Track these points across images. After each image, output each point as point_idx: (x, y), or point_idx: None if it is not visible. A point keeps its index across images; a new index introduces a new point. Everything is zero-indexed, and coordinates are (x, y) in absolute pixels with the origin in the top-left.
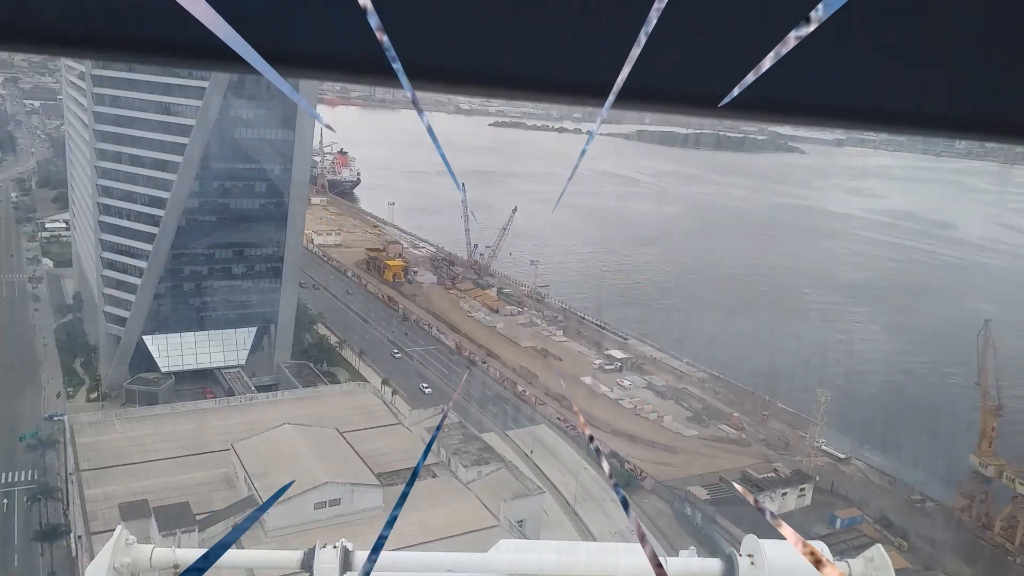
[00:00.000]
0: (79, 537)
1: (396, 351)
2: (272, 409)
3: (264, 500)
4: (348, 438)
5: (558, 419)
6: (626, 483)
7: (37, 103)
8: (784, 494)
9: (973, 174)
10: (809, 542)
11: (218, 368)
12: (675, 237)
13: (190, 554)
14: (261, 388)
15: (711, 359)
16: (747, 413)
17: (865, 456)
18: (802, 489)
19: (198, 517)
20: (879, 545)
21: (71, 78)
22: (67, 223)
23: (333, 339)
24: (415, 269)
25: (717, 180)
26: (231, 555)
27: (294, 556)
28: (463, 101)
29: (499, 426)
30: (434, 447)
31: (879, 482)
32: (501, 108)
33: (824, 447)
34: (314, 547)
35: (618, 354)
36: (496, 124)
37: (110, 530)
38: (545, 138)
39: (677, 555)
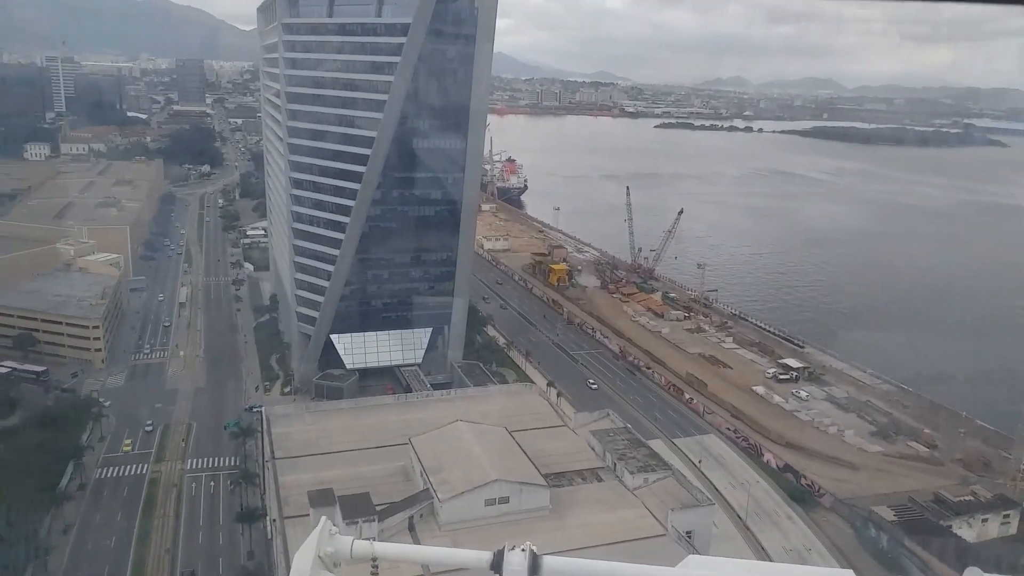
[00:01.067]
0: (273, 520)
1: (571, 355)
2: (445, 406)
3: (438, 494)
4: (516, 437)
5: (728, 429)
6: (802, 499)
7: (240, 121)
8: (984, 520)
9: None
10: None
11: (397, 366)
12: (856, 238)
13: (387, 548)
14: (436, 386)
15: (898, 370)
16: (940, 429)
17: None
18: (1006, 516)
19: (378, 507)
20: (976, 568)
21: (269, 96)
22: (265, 230)
23: (501, 341)
24: (579, 271)
25: (904, 177)
26: (423, 551)
27: (484, 557)
28: (629, 104)
29: (666, 433)
30: (599, 452)
31: None
32: (667, 109)
33: None
34: (503, 548)
35: (794, 363)
36: (662, 125)
37: (301, 515)
38: (714, 138)
39: None
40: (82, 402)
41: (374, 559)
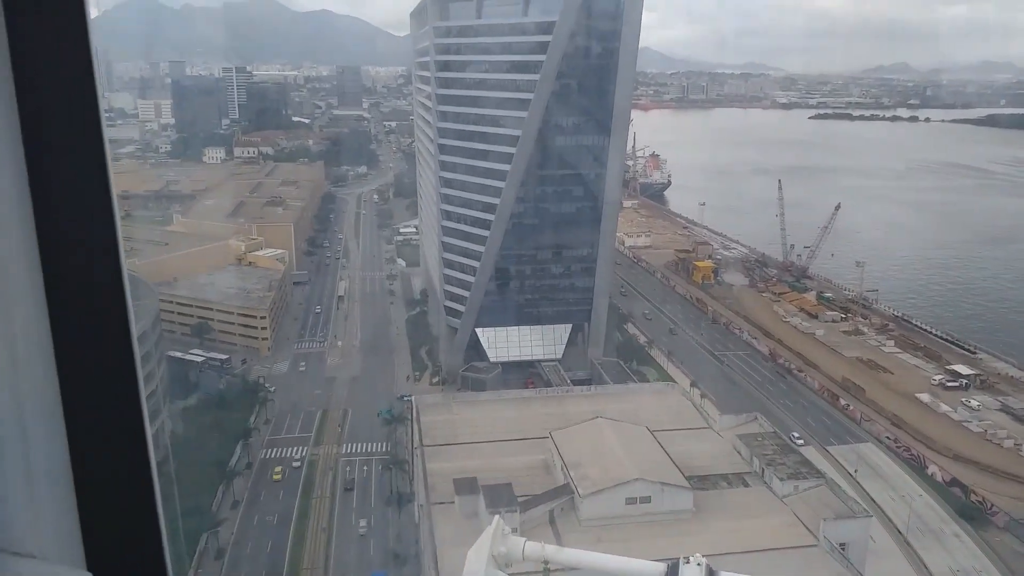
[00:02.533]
0: (421, 506)
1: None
2: (586, 402)
3: (579, 489)
4: (657, 438)
5: (888, 438)
6: (971, 516)
7: (393, 123)
8: None
9: None
10: None
11: (537, 361)
12: None
13: (559, 553)
14: (576, 382)
15: None
16: None
17: None
18: None
19: (519, 499)
20: None
21: (420, 99)
22: (417, 228)
23: (642, 339)
24: (725, 268)
25: None
26: (594, 558)
27: (658, 568)
28: (781, 95)
29: (818, 440)
30: (746, 456)
31: None
32: (823, 100)
33: None
34: (678, 561)
35: (964, 370)
36: (818, 116)
37: (447, 502)
38: (875, 129)
39: None
40: (250, 386)
41: (546, 562)
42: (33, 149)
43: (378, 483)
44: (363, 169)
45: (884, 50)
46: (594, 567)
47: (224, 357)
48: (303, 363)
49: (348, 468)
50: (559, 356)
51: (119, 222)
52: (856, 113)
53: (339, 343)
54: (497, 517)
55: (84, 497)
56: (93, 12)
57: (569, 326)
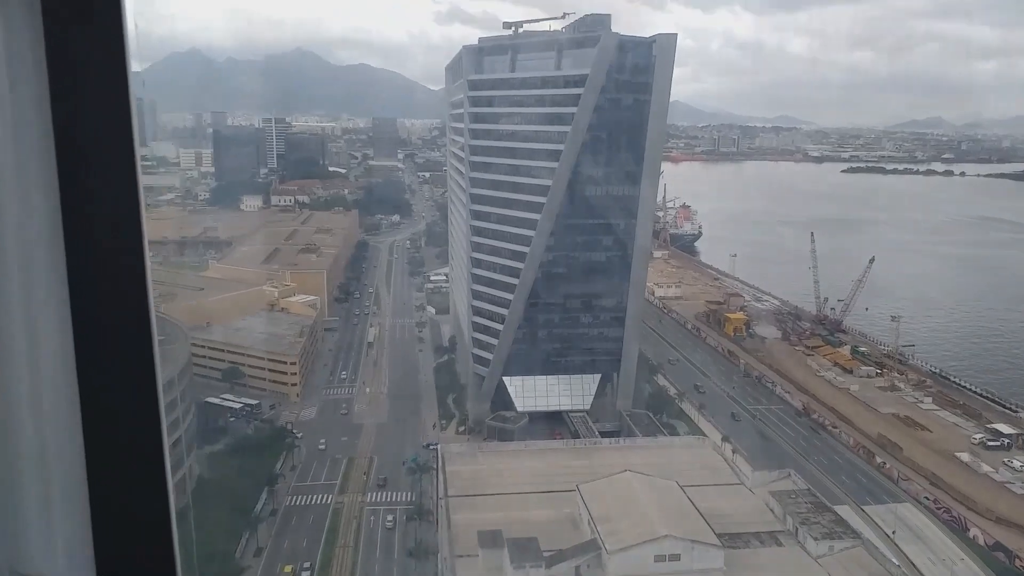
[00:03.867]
0: (444, 559)
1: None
2: (614, 455)
3: (606, 545)
4: (687, 492)
5: (927, 498)
6: None
7: (427, 174)
8: None
9: None
10: None
11: (565, 411)
12: None
13: None
14: (604, 434)
15: None
16: None
17: None
18: None
19: (545, 554)
20: None
21: (454, 150)
22: (447, 276)
23: (672, 391)
24: (757, 321)
25: None
26: None
27: None
28: (813, 148)
29: (854, 499)
30: (779, 514)
31: None
32: (855, 153)
33: None
34: None
35: (1006, 428)
36: (850, 170)
37: (471, 555)
38: (908, 182)
39: None
40: (277, 432)
41: None
42: (69, 198)
43: (402, 533)
44: (396, 218)
45: (917, 104)
46: None
47: (254, 402)
48: (331, 409)
49: (372, 517)
50: (587, 407)
51: (149, 265)
52: (889, 167)
53: (367, 389)
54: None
55: (100, 530)
56: (139, 65)
57: (598, 376)
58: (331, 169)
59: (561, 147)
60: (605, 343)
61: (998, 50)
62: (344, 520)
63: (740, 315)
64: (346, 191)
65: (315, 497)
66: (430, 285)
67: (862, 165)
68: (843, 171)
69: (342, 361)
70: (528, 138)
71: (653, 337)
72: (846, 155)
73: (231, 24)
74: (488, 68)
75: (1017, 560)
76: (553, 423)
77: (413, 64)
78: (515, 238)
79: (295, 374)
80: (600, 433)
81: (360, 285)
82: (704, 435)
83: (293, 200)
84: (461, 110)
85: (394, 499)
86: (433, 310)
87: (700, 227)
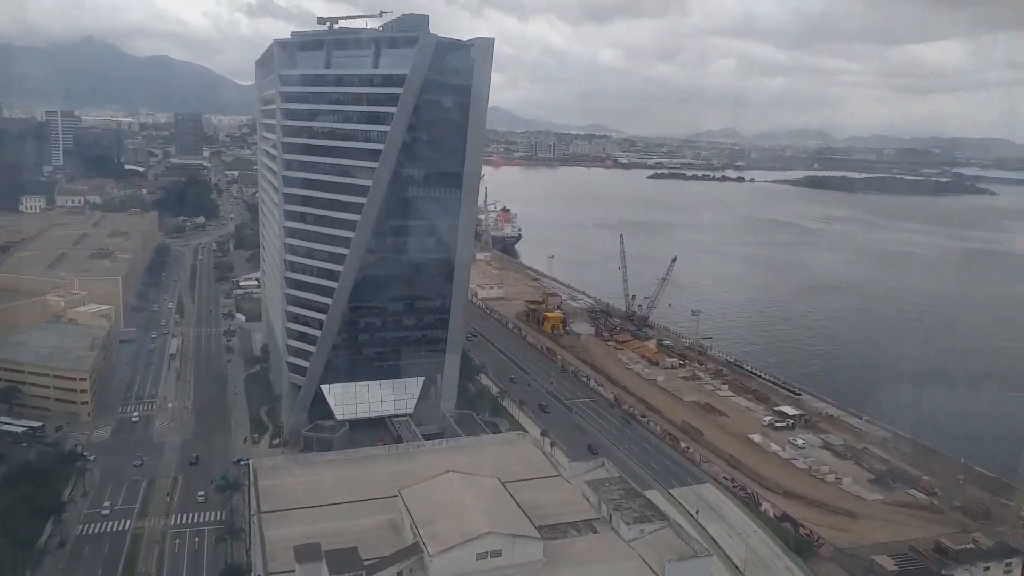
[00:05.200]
0: None
1: (544, 403)
2: (437, 457)
3: (428, 547)
4: (509, 488)
5: (725, 478)
6: (801, 549)
7: (236, 173)
8: (986, 569)
9: None
10: None
11: (388, 416)
12: (851, 286)
13: None
14: (428, 436)
15: (895, 416)
16: (938, 476)
17: None
18: (1008, 564)
19: (366, 562)
20: None
21: (265, 148)
22: (258, 281)
23: (495, 389)
24: (573, 318)
25: (896, 225)
26: None
27: None
28: (622, 155)
29: (662, 483)
30: (594, 502)
31: None
32: (660, 160)
33: None
34: None
35: (790, 410)
36: (655, 176)
37: (287, 571)
38: (706, 188)
39: None
40: (65, 456)
41: None
42: None
43: (212, 555)
44: (202, 219)
45: (714, 116)
46: None
47: (37, 424)
48: (129, 428)
49: (177, 541)
50: (411, 411)
51: None
52: (689, 173)
53: (169, 405)
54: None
55: None
56: None
57: (421, 379)
58: (128, 167)
59: (380, 147)
60: (428, 345)
61: (783, 68)
62: (145, 546)
63: (557, 314)
64: (145, 191)
65: (111, 524)
66: (240, 291)
67: (666, 171)
68: (649, 177)
69: (141, 375)
70: (345, 137)
71: (476, 337)
72: (652, 162)
73: (5, 6)
74: (302, 64)
75: (802, 528)
76: (375, 429)
77: (220, 57)
78: (333, 240)
79: (85, 391)
80: (424, 436)
81: (161, 292)
82: (524, 431)
83: (83, 200)
84: (273, 106)
85: (202, 520)
86: (243, 317)
87: (520, 230)
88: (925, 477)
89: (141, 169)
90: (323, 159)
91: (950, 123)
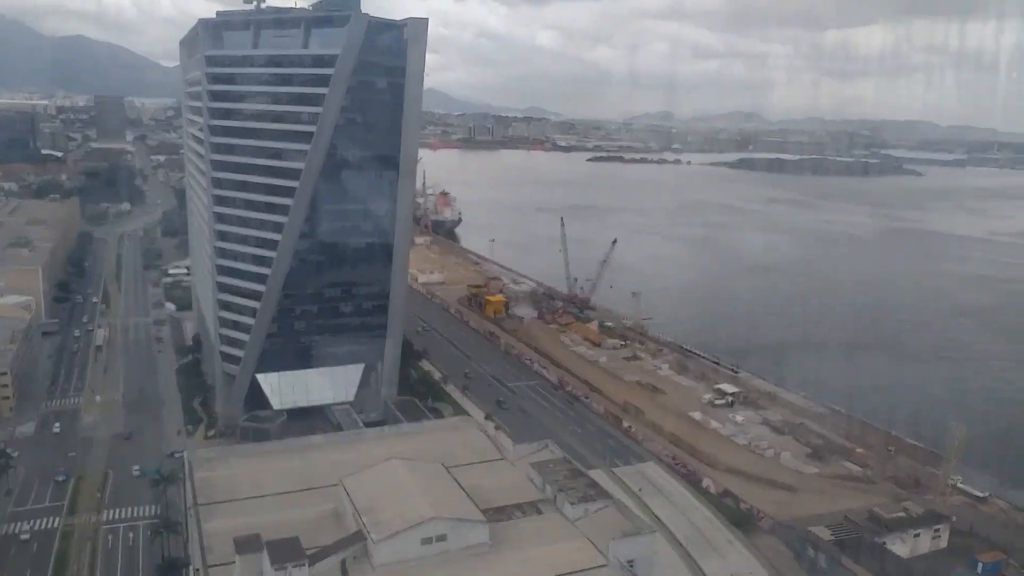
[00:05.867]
0: (196, 570)
1: (502, 399)
2: (379, 445)
3: (372, 535)
4: (453, 473)
5: (667, 456)
6: (742, 523)
7: (162, 158)
8: (917, 535)
9: None
10: None
11: (328, 405)
12: (786, 266)
13: None
14: (369, 424)
15: (830, 392)
16: (872, 449)
17: (1009, 495)
18: (937, 530)
19: (308, 552)
20: None
21: (193, 131)
22: (188, 269)
23: (437, 375)
24: (515, 302)
25: (828, 206)
26: None
27: None
28: (561, 138)
29: (605, 463)
30: (539, 484)
31: None
32: (599, 143)
33: (960, 485)
34: None
35: (729, 388)
36: (594, 159)
37: (227, 563)
38: (644, 170)
39: None
40: None
41: None
42: None
43: (147, 550)
44: (126, 206)
45: (650, 99)
46: None
47: None
48: (54, 423)
49: (111, 537)
50: (351, 399)
51: None
52: (628, 156)
53: (97, 398)
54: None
55: None
56: None
57: (361, 366)
58: (45, 152)
59: (312, 129)
60: (368, 332)
61: (716, 52)
62: (76, 544)
63: (499, 298)
64: (64, 176)
65: (38, 522)
66: (168, 279)
67: (604, 154)
68: (588, 160)
69: (66, 368)
70: (276, 119)
71: (417, 322)
72: (591, 145)
73: None
74: (229, 44)
75: (742, 503)
76: (314, 418)
77: (142, 39)
78: (265, 225)
79: (6, 386)
80: (365, 424)
81: (85, 282)
82: (468, 415)
83: None
84: (199, 88)
85: (136, 515)
86: (173, 307)
87: (460, 214)
88: (859, 450)
89: (59, 154)
90: (253, 142)
91: (879, 106)
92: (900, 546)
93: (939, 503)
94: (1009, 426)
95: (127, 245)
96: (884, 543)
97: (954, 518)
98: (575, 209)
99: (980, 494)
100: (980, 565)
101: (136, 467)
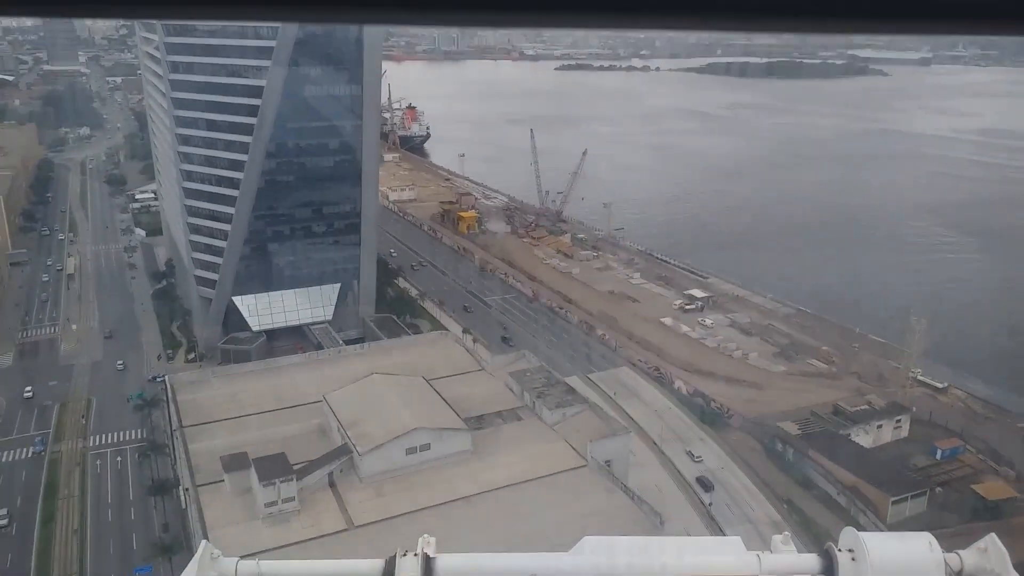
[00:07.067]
0: (186, 490)
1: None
2: (360, 361)
3: (357, 447)
4: (434, 385)
5: (640, 360)
6: (712, 422)
7: (119, 79)
8: (879, 426)
9: None
10: (914, 533)
11: (306, 324)
12: (754, 171)
13: (274, 566)
14: (348, 342)
15: (797, 294)
16: (837, 346)
17: (966, 385)
18: (898, 421)
19: (295, 467)
20: (993, 535)
21: (148, 50)
22: (155, 193)
23: (414, 292)
24: (488, 217)
25: (796, 109)
26: (311, 565)
27: (376, 565)
28: (528, 47)
29: (581, 370)
30: (518, 392)
31: (981, 411)
32: (567, 51)
33: (920, 377)
34: (395, 555)
35: (699, 293)
36: (562, 68)
37: (216, 481)
38: (613, 78)
39: (772, 540)
40: None
41: None
42: None
43: (136, 473)
44: (86, 130)
45: None
46: (313, 575)
47: None
48: (31, 353)
49: (99, 462)
50: (329, 317)
51: None
52: (596, 64)
53: (73, 327)
54: (204, 542)
55: None
56: None
57: (337, 286)
58: None
59: (272, 44)
60: (342, 251)
61: None
62: (64, 470)
63: (472, 213)
64: (17, 102)
65: (23, 451)
66: (136, 204)
67: (573, 63)
68: (556, 68)
69: (38, 298)
70: (236, 34)
71: (391, 240)
72: (558, 53)
73: None
74: None
75: (713, 402)
76: (294, 338)
77: None
78: (231, 146)
79: None
80: (345, 341)
81: (49, 210)
82: (446, 330)
83: None
84: None
85: (122, 439)
86: (143, 232)
87: (428, 128)
88: (824, 347)
89: (11, 78)
90: (212, 59)
91: None
92: (864, 437)
93: (900, 395)
94: (967, 319)
95: (90, 171)
96: (848, 435)
97: (914, 408)
98: (544, 120)
99: (939, 385)
100: (939, 451)
101: (120, 362)
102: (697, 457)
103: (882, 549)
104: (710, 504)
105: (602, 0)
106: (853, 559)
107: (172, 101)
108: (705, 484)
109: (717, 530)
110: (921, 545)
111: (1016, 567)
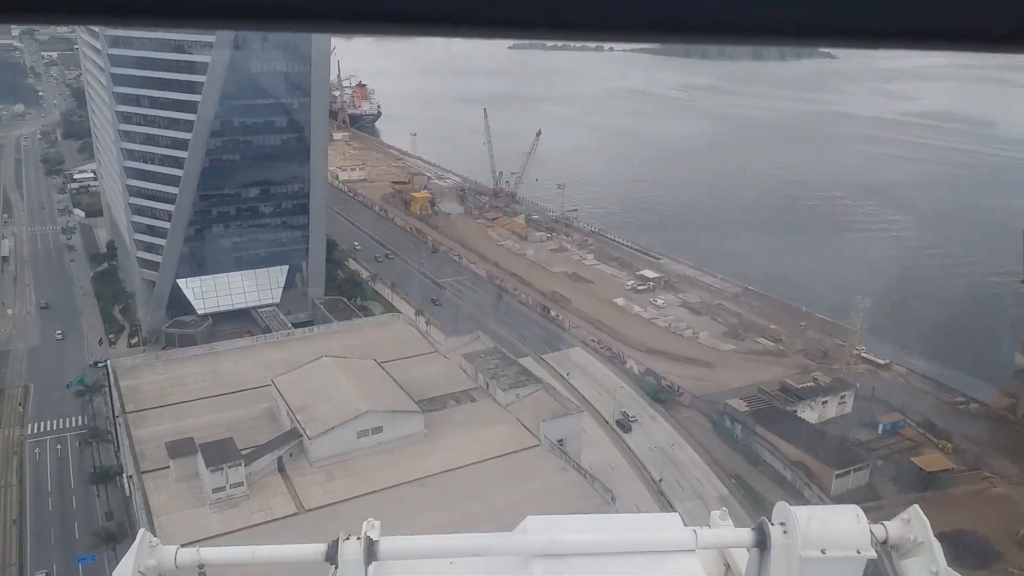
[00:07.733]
0: (130, 477)
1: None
2: (309, 344)
3: (307, 431)
4: (386, 368)
5: (592, 340)
6: (663, 399)
7: (55, 54)
8: (824, 402)
9: (1019, 69)
10: (843, 506)
11: (253, 307)
12: (705, 153)
13: (215, 553)
14: (297, 324)
15: (746, 274)
16: (784, 325)
17: (907, 361)
18: (843, 397)
19: (243, 452)
20: (916, 506)
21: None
22: (95, 172)
23: (365, 274)
24: (441, 198)
25: (747, 91)
26: (253, 551)
27: (318, 549)
28: None
29: (534, 350)
30: (471, 373)
31: (921, 386)
32: None
33: (864, 354)
34: (337, 539)
35: (650, 274)
36: (515, 46)
37: (161, 468)
38: (566, 58)
39: (709, 514)
40: None
41: (201, 566)
42: None
43: (77, 461)
44: (20, 107)
45: None
46: (254, 561)
47: None
48: None
49: (37, 450)
50: (277, 300)
51: None
52: (550, 43)
53: (9, 311)
54: (142, 530)
55: None
56: None
57: (286, 267)
58: None
59: None
60: (290, 232)
61: None
62: (1, 459)
63: (425, 194)
64: None
65: None
66: (75, 185)
67: (525, 42)
68: (509, 47)
69: None
70: None
71: (341, 221)
72: None
73: None
74: None
75: (664, 380)
76: (241, 321)
77: None
78: (174, 124)
79: None
80: (293, 324)
81: None
82: (399, 312)
83: None
84: None
85: (62, 426)
86: (83, 213)
87: (379, 107)
88: (772, 326)
89: None
90: (153, 34)
91: None
92: (809, 413)
93: (845, 372)
94: (909, 297)
95: (25, 150)
96: (795, 411)
97: (858, 385)
98: (497, 99)
99: (881, 361)
100: (881, 426)
101: (59, 332)
102: (632, 417)
103: (812, 522)
104: (660, 480)
105: (584, 17)
106: (785, 532)
107: (112, 77)
108: (624, 426)
109: (667, 506)
110: (849, 517)
111: (943, 536)
